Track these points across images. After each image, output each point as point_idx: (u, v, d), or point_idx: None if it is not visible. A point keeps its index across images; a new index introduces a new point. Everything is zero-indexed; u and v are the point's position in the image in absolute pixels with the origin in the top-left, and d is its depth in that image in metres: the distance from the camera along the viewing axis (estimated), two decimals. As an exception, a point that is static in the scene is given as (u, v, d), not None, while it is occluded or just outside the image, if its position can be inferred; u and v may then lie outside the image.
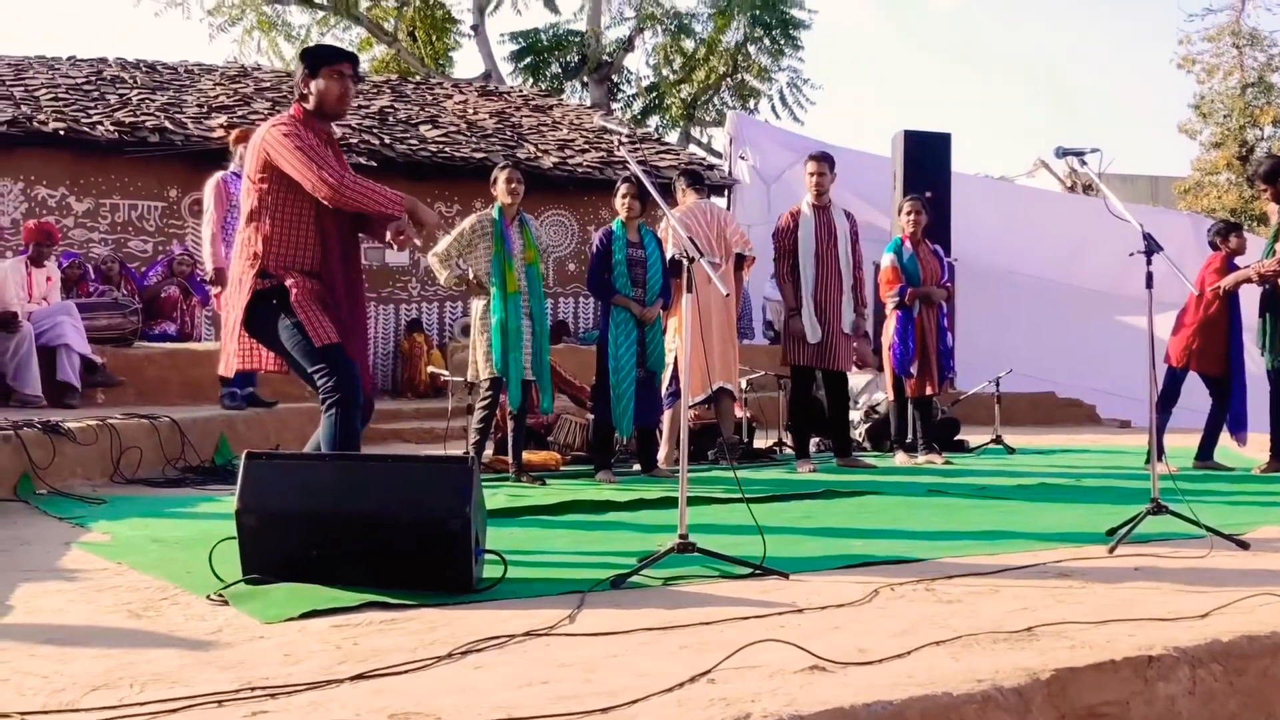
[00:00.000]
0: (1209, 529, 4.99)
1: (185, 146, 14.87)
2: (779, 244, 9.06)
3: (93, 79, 17.47)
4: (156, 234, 14.95)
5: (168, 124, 15.39)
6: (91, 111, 15.43)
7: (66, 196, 14.62)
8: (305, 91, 5.18)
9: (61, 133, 14.44)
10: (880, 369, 10.35)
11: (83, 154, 14.68)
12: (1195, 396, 9.26)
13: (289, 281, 4.99)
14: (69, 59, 18.66)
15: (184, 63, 19.72)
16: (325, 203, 4.97)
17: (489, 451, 8.29)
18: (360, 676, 2.89)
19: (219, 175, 9.66)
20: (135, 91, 17.00)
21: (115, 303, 11.49)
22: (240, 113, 16.62)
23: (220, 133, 13.39)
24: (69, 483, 6.97)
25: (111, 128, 14.86)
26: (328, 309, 5.02)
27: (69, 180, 14.65)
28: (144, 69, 18.76)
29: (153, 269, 13.81)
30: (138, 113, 15.74)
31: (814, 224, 8.95)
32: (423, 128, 17.56)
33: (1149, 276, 5.51)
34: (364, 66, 30.57)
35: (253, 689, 2.78)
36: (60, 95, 15.99)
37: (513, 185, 7.93)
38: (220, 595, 3.86)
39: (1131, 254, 5.64)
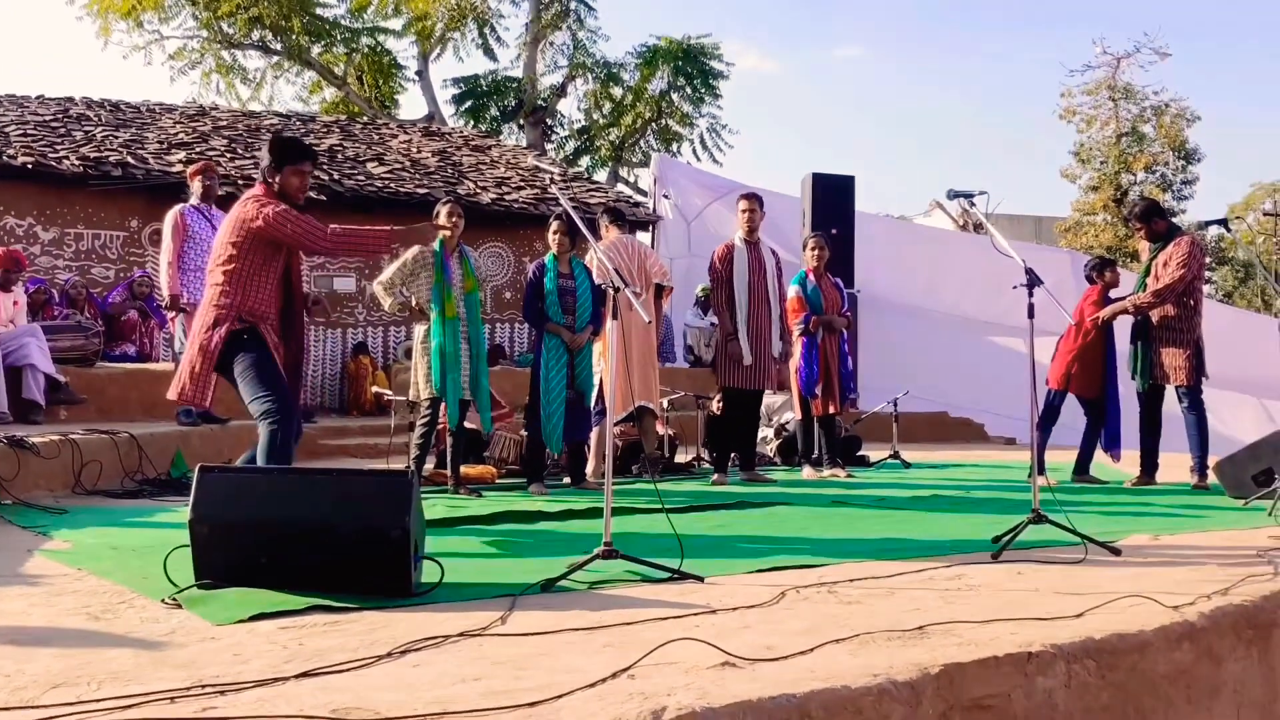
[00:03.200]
0: (1084, 537, 5.06)
1: (146, 180, 14.68)
2: (715, 274, 9.09)
3: (60, 116, 17.21)
4: (118, 261, 14.73)
5: (130, 159, 15.19)
6: (58, 146, 15.19)
7: (33, 226, 14.37)
8: (270, 180, 5.69)
9: (29, 166, 14.20)
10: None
11: (49, 186, 14.44)
12: (1074, 416, 9.39)
13: (258, 325, 5.49)
14: (37, 97, 18.38)
15: (146, 102, 19.48)
16: (323, 255, 5.45)
17: (429, 465, 8.24)
18: (305, 675, 2.87)
19: (177, 208, 9.57)
20: (100, 128, 16.77)
21: (78, 325, 11.31)
22: (199, 149, 16.43)
23: (179, 167, 13.24)
24: (33, 494, 6.85)
25: (77, 162, 14.64)
26: (276, 349, 5.57)
27: (36, 210, 14.40)
28: (108, 107, 18.51)
29: (114, 292, 13.61)
30: (102, 148, 15.53)
31: (747, 257, 8.99)
32: (369, 165, 17.45)
33: (1030, 307, 5.59)
34: (314, 108, 30.41)
35: (203, 686, 2.75)
36: (29, 131, 15.73)
37: (453, 219, 7.91)
38: (174, 599, 3.81)
39: (1015, 286, 5.72)
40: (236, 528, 4.00)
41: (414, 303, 7.84)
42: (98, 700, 2.63)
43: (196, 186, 9.72)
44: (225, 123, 18.99)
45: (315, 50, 30.95)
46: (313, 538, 3.97)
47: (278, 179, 5.67)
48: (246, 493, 4.08)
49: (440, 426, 7.98)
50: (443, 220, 7.85)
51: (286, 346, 5.68)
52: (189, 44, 30.17)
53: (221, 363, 5.54)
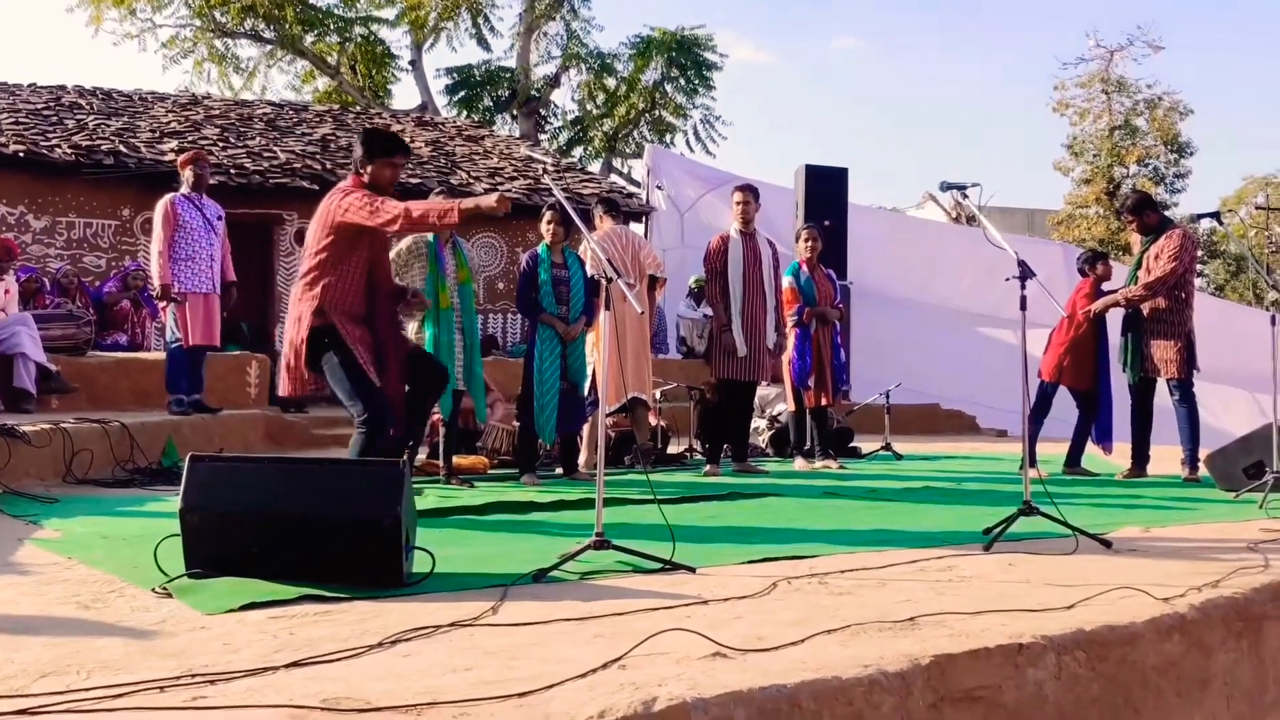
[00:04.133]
0: (1075, 529, 5.06)
1: (138, 169, 14.67)
2: (710, 266, 9.07)
3: (52, 104, 17.18)
4: (110, 250, 14.71)
5: (122, 147, 15.16)
6: (50, 135, 15.17)
7: (25, 214, 14.35)
8: (362, 171, 5.80)
9: (21, 154, 14.18)
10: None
11: (41, 175, 14.43)
12: (1065, 409, 9.41)
13: (339, 323, 5.58)
14: (29, 86, 18.34)
15: (139, 91, 19.44)
16: (399, 231, 5.68)
17: (421, 456, 8.23)
18: (295, 664, 2.86)
19: (168, 197, 9.53)
20: (92, 117, 16.73)
21: (69, 314, 11.28)
22: (191, 138, 16.40)
23: (172, 156, 13.22)
24: (24, 483, 6.83)
25: (69, 150, 14.62)
26: (369, 349, 5.67)
27: (27, 199, 14.38)
28: (100, 96, 18.46)
29: (107, 283, 13.59)
30: (94, 137, 15.51)
31: (741, 249, 8.97)
32: (362, 155, 17.41)
33: (1023, 299, 5.59)
34: (307, 97, 30.35)
35: (193, 676, 2.75)
36: (21, 119, 15.70)
37: None
38: (164, 588, 3.80)
39: (1008, 279, 5.71)
40: (227, 517, 3.99)
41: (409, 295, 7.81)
42: (87, 689, 2.62)
43: (188, 175, 9.69)
44: (218, 112, 18.94)
45: (308, 39, 30.91)
46: (304, 527, 3.96)
47: (369, 170, 5.77)
48: (238, 482, 4.06)
49: (434, 418, 7.97)
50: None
51: (376, 337, 5.75)
52: (182, 32, 30.18)
53: (311, 358, 5.66)
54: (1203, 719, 3.70)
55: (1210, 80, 75.38)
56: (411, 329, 7.86)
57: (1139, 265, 8.70)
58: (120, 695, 2.58)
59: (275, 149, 16.71)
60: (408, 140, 18.28)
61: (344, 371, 5.59)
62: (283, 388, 5.91)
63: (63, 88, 18.63)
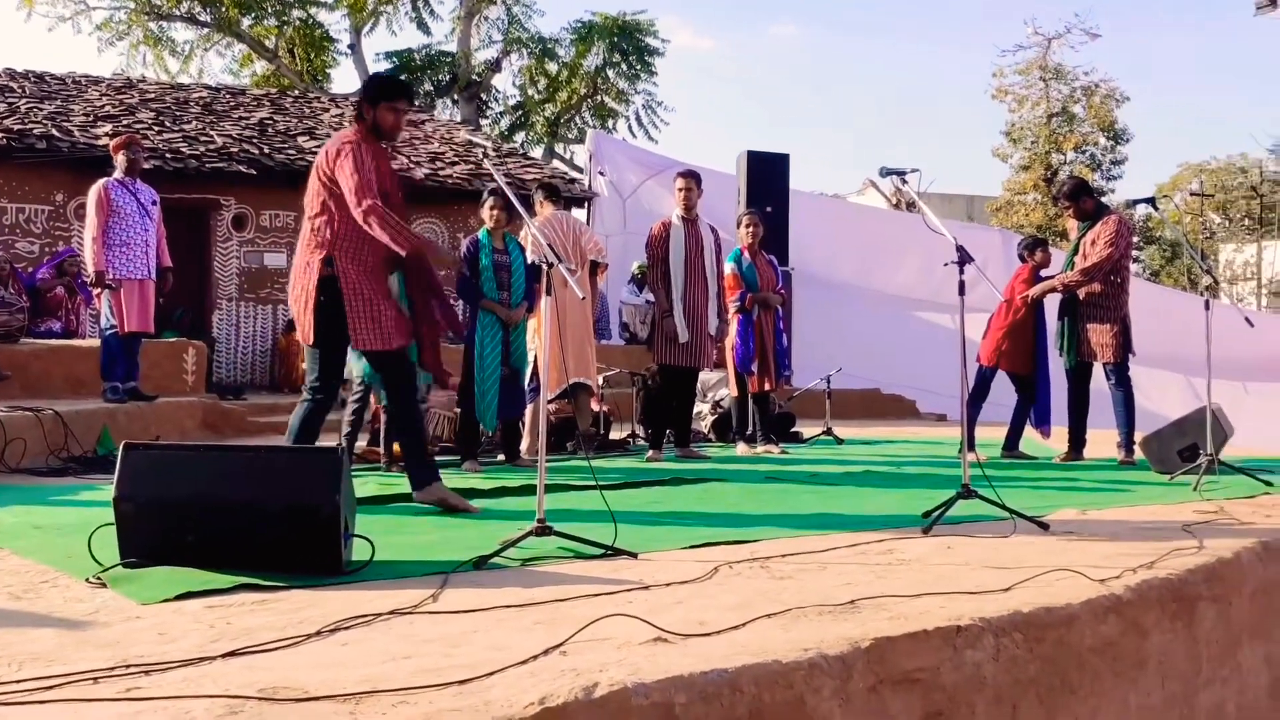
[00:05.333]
0: (1013, 512, 5.11)
1: (71, 153, 14.42)
2: (651, 252, 9.05)
3: (-18, 87, 16.86)
4: (43, 236, 14.47)
5: (55, 131, 14.91)
6: (-19, 118, 14.89)
7: (-45, 199, 14.09)
8: (365, 117, 5.67)
9: (-49, 138, 13.92)
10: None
11: (-29, 159, 14.17)
12: (1003, 393, 9.50)
13: (347, 269, 5.50)
14: (-40, 68, 17.98)
15: (72, 74, 19.09)
16: (362, 223, 5.40)
17: (362, 443, 8.17)
18: (232, 654, 2.83)
19: (101, 183, 9.39)
20: (24, 100, 16.43)
21: (2, 301, 11.09)
22: (125, 122, 16.14)
23: (106, 140, 13.01)
24: (-47, 472, 6.72)
25: (0, 134, 14.35)
26: (385, 301, 5.61)
27: (-42, 183, 14.12)
28: (33, 79, 18.12)
29: (40, 269, 13.37)
30: (26, 120, 15.23)
31: (683, 235, 8.95)
32: (300, 139, 17.23)
33: (961, 284, 5.63)
34: (245, 81, 29.98)
35: (128, 666, 2.71)
36: (-50, 102, 15.40)
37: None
38: (99, 578, 3.75)
39: (946, 264, 5.75)
40: (163, 506, 3.93)
41: None
42: (19, 681, 2.58)
43: (121, 160, 9.55)
44: (153, 95, 18.66)
45: (245, 23, 30.50)
46: (241, 515, 3.92)
47: (373, 115, 5.65)
48: (173, 470, 4.01)
49: (375, 406, 7.90)
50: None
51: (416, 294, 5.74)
52: (116, 15, 29.65)
53: (322, 307, 5.55)
54: (1138, 699, 3.75)
55: (1146, 68, 76.34)
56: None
57: (1075, 251, 8.79)
58: (53, 687, 2.54)
59: (212, 133, 16.49)
60: (346, 124, 18.14)
61: (324, 331, 5.57)
62: (303, 334, 5.78)
63: (-7, 70, 18.29)
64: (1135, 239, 27.71)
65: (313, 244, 5.59)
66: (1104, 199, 10.97)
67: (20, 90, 17.12)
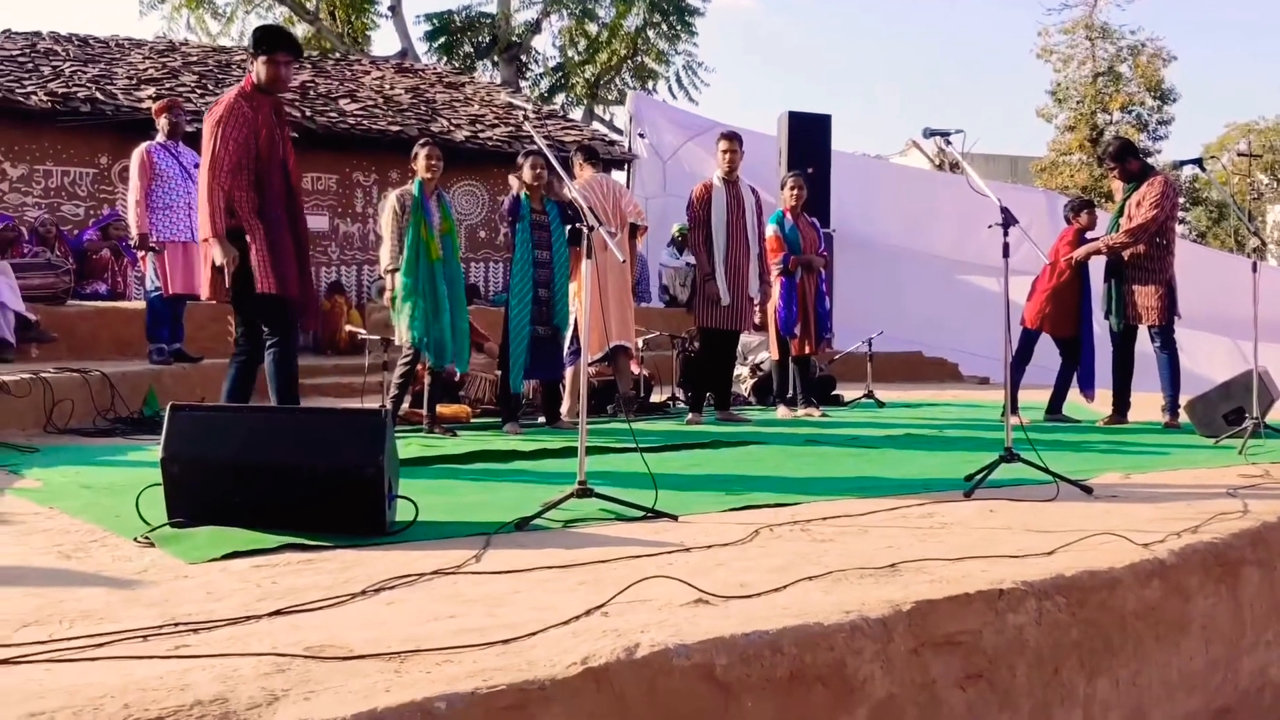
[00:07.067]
0: (1056, 475, 5.08)
1: (115, 116, 14.52)
2: (692, 214, 9.02)
3: (27, 51, 16.96)
4: (88, 199, 14.60)
5: (99, 95, 15.00)
6: (26, 82, 14.99)
7: (1, 163, 14.21)
8: (250, 69, 5.85)
9: (-4, 102, 14.04)
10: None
11: (17, 123, 14.28)
12: (1047, 356, 9.43)
13: (248, 225, 5.66)
14: (4, 32, 18.09)
15: (115, 37, 19.22)
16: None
17: (405, 405, 8.22)
18: (278, 613, 2.86)
19: (144, 147, 9.46)
20: (68, 64, 16.54)
21: (48, 263, 11.21)
22: (168, 85, 16.23)
23: (149, 104, 13.08)
24: (4, 432, 6.81)
25: (45, 98, 14.45)
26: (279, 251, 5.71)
27: (4, 147, 14.24)
28: (76, 42, 18.25)
29: (86, 232, 13.49)
30: (70, 84, 15.33)
31: (725, 197, 8.92)
32: (342, 102, 17.27)
33: (1005, 246, 5.58)
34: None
35: (176, 624, 2.74)
36: (-5, 66, 15.52)
37: (433, 162, 7.81)
38: (146, 538, 3.79)
39: (990, 226, 5.70)
40: (209, 466, 3.97)
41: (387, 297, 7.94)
42: (69, 639, 2.61)
43: (163, 124, 9.60)
44: (195, 58, 18.75)
45: (286, -15, 30.53)
46: (286, 476, 3.95)
47: (257, 67, 5.82)
48: (219, 431, 4.05)
49: (419, 367, 7.94)
50: (421, 164, 7.76)
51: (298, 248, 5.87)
52: (158, -23, 29.74)
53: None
54: (1181, 663, 3.73)
55: (1194, 26, 75.07)
56: (400, 282, 7.71)
57: (1120, 213, 8.71)
58: (103, 644, 2.57)
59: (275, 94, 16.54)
60: (386, 87, 18.13)
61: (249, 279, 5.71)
62: (204, 292, 5.99)
63: (38, 34, 18.41)
64: (1181, 200, 27.38)
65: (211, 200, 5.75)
66: (1150, 160, 10.84)
67: (64, 54, 17.24)
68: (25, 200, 14.17)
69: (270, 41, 5.85)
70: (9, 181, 14.19)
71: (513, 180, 8.46)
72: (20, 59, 16.33)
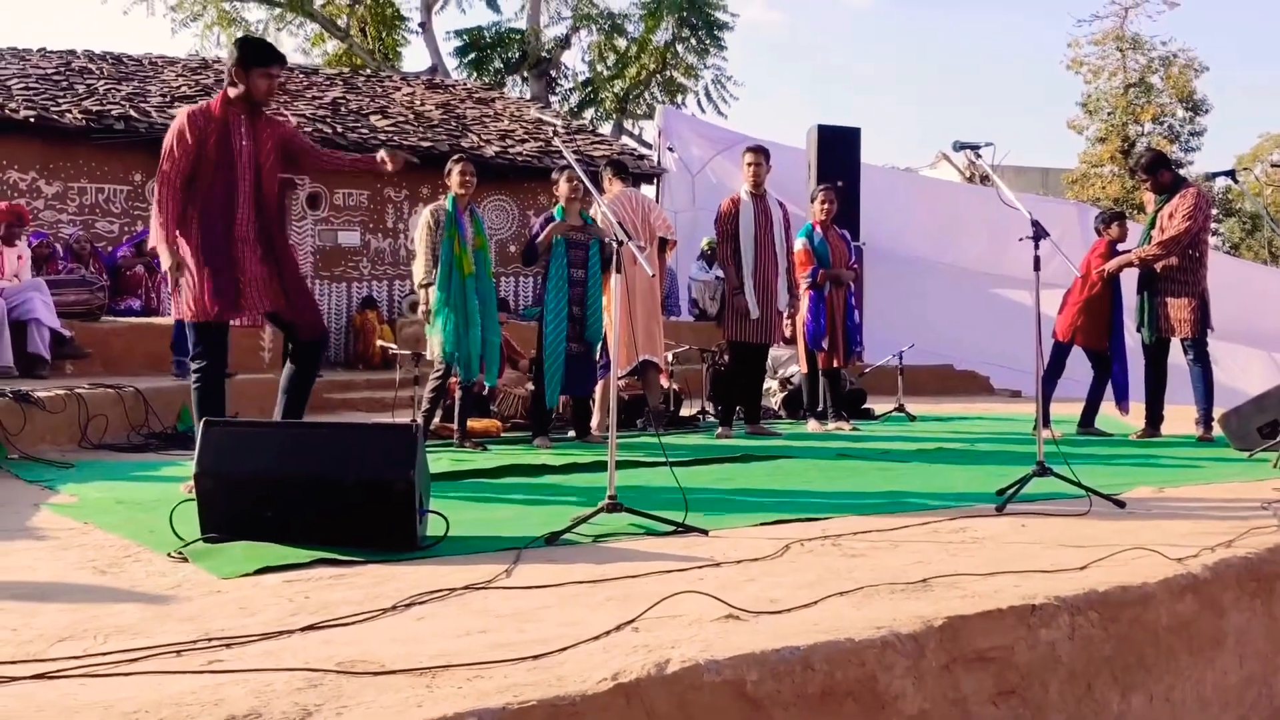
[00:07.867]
0: (1089, 489, 5.06)
1: (149, 134, 14.62)
2: (721, 229, 9.03)
3: (62, 69, 17.13)
4: (122, 215, 14.73)
5: (132, 112, 15.14)
6: (60, 100, 15.14)
7: (36, 180, 14.36)
8: (236, 81, 5.55)
9: (32, 120, 14.18)
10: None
11: (52, 140, 14.43)
12: (1079, 369, 9.38)
13: (182, 244, 5.45)
14: (39, 51, 18.30)
15: (148, 55, 19.39)
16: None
17: (436, 420, 8.24)
18: (310, 628, 2.88)
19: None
20: (102, 82, 16.70)
21: (83, 279, 11.31)
22: (201, 103, 16.35)
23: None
24: (39, 448, 6.87)
25: (79, 115, 14.60)
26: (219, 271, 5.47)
27: (39, 165, 14.39)
28: (110, 61, 18.42)
29: (120, 248, 13.61)
30: (104, 102, 15.48)
31: (753, 211, 8.94)
32: (373, 118, 17.38)
33: (1036, 259, 5.57)
34: (317, 60, 30.23)
35: (210, 639, 2.76)
36: (31, 85, 15.67)
37: (466, 178, 7.86)
38: (180, 553, 3.82)
39: (1021, 239, 5.68)
40: (242, 481, 4.00)
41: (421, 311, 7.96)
42: (104, 653, 2.64)
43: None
44: (228, 76, 18.88)
45: (318, 2, 30.76)
46: (318, 491, 3.97)
47: (246, 80, 5.53)
48: (252, 446, 4.08)
49: (450, 381, 7.97)
50: (454, 180, 7.80)
51: (270, 263, 5.61)
52: (190, -4, 30.02)
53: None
54: (1215, 678, 3.70)
55: (1226, 37, 74.60)
56: (435, 297, 7.75)
57: (1153, 224, 8.66)
58: (137, 659, 2.59)
59: (286, 113, 16.67)
60: (417, 104, 18.20)
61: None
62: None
63: (72, 52, 18.60)
64: (1214, 212, 27.20)
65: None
66: (1182, 171, 10.78)
67: (98, 72, 17.41)
68: (60, 217, 14.31)
69: (266, 54, 5.65)
70: (44, 199, 14.33)
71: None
72: (55, 78, 16.50)
